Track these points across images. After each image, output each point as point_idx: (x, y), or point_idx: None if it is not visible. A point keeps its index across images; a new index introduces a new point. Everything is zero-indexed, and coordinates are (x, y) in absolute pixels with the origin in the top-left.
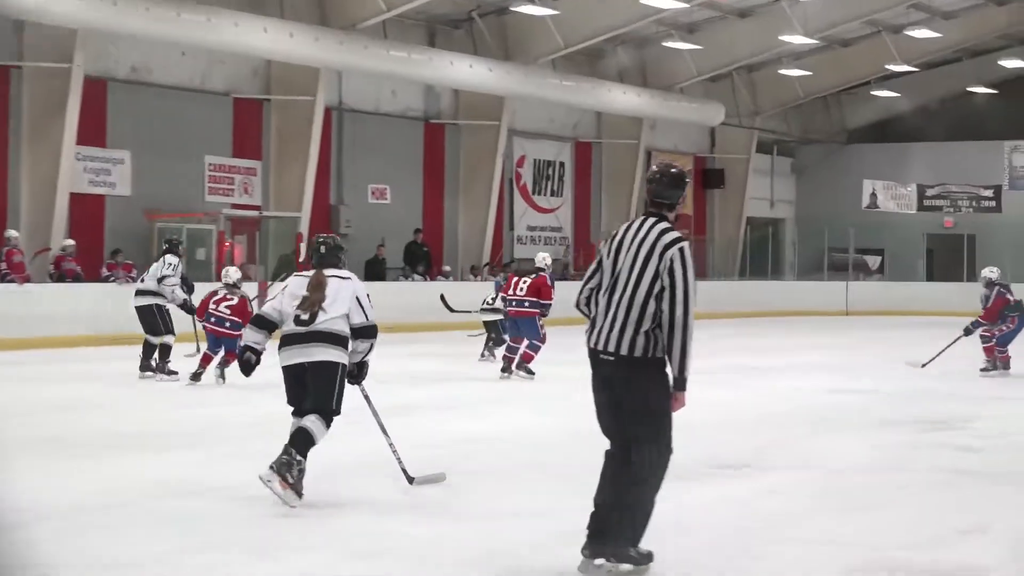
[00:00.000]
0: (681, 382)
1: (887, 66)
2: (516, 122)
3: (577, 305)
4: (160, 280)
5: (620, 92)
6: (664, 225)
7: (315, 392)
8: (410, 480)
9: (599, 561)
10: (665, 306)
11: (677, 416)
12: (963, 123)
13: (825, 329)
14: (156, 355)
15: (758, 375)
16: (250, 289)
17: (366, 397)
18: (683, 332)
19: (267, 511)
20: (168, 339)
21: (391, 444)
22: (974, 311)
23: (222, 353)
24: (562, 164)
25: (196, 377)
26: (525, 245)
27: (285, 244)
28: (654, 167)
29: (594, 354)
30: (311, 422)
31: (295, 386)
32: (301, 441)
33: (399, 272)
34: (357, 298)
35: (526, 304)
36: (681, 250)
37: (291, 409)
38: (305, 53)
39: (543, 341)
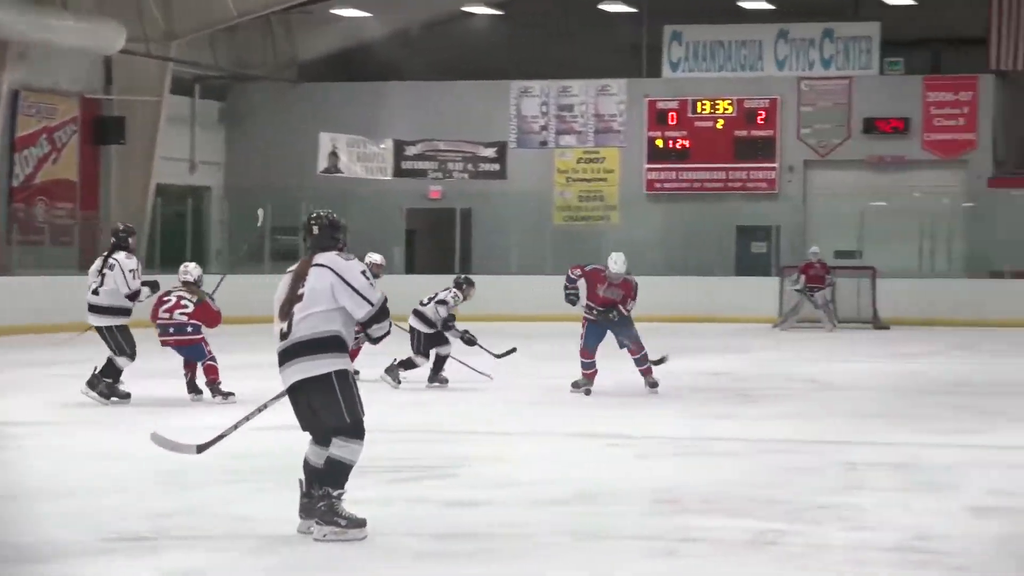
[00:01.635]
0: None
1: None
2: None
3: None
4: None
5: None
6: None
7: (322, 412)
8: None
9: None
10: None
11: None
12: (456, 56)
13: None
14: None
15: (159, 410)
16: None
17: None
18: None
19: None
20: None
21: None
22: (484, 314)
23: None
24: None
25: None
26: None
27: None
28: None
29: None
30: (336, 447)
31: (297, 407)
32: (332, 474)
33: None
34: (348, 283)
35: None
36: None
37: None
38: None
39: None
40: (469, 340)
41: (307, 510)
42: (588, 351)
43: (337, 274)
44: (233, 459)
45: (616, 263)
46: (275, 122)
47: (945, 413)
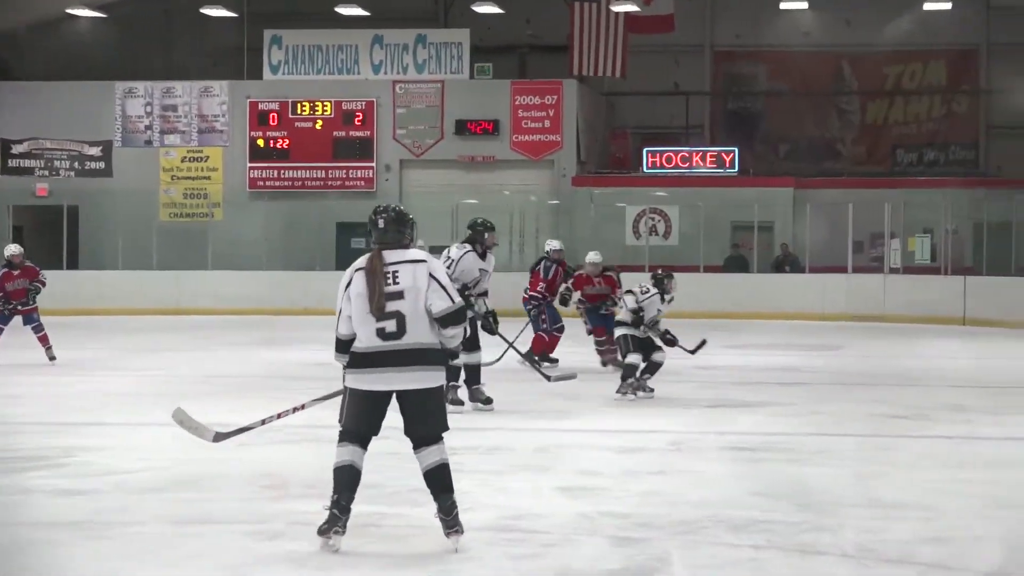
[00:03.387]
0: None
1: None
2: None
3: None
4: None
5: None
6: None
7: (425, 419)
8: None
9: None
10: None
11: None
12: (62, 57)
13: None
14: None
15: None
16: None
17: None
18: None
19: None
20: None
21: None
22: (88, 308)
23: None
24: None
25: None
26: None
27: None
28: None
29: None
30: (439, 452)
31: (372, 412)
32: (447, 479)
33: None
34: (435, 279)
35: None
36: None
37: (344, 431)
38: None
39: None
40: (670, 340)
41: (450, 524)
42: (599, 328)
43: (431, 268)
44: None
45: (592, 258)
46: None
47: (531, 400)
